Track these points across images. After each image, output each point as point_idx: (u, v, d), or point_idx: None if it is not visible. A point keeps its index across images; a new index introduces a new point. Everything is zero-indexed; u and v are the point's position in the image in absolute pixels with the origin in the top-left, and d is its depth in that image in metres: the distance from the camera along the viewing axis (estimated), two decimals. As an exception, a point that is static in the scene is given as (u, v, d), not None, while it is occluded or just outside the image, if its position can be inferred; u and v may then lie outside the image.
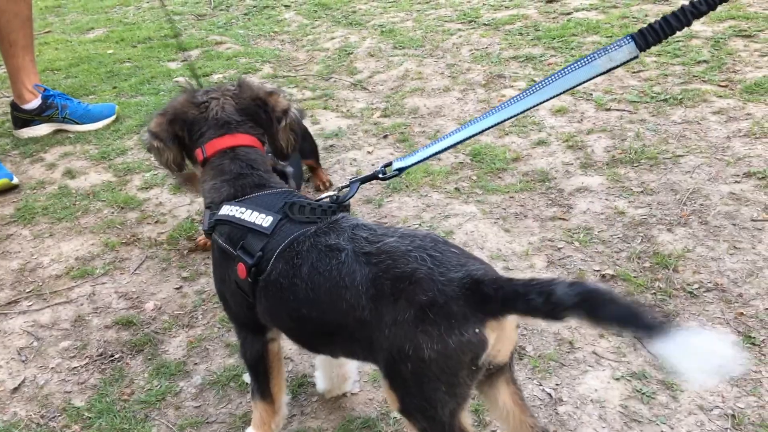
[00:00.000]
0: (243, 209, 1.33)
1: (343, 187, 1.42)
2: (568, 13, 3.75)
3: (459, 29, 3.81)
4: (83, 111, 3.04)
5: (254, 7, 4.71)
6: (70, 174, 2.68)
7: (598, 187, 2.29)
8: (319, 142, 2.77)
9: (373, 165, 2.57)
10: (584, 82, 1.31)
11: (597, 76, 1.30)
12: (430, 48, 3.61)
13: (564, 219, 2.18)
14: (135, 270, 2.13)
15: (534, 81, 3.06)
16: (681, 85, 2.83)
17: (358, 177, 1.48)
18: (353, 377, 1.62)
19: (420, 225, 2.22)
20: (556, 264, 1.99)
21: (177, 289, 2.04)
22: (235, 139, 1.44)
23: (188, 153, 1.49)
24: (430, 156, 1.44)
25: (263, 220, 1.31)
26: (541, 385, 1.61)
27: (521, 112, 1.36)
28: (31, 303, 2.00)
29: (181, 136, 1.46)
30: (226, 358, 1.77)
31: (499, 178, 2.43)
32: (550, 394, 1.59)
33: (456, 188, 2.39)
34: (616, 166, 2.38)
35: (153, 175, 2.63)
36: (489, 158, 2.53)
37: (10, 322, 1.93)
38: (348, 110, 3.05)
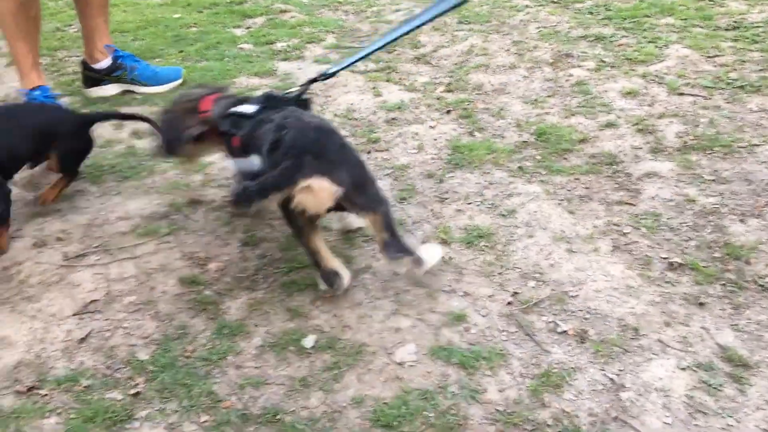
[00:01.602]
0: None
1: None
2: (642, -7, 3.64)
3: (527, 6, 3.73)
4: (151, 73, 3.08)
5: (319, -23, 4.68)
6: (136, 135, 2.73)
7: (668, 173, 2.23)
8: (381, 115, 2.77)
9: (435, 140, 2.55)
10: None
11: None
12: (496, 24, 3.55)
13: (631, 204, 2.13)
14: (198, 231, 2.16)
15: (604, 62, 2.99)
16: (759, 73, 2.72)
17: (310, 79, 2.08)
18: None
19: (482, 202, 2.19)
20: (622, 249, 1.94)
21: (239, 252, 2.07)
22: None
23: None
24: (356, 61, 2.19)
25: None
26: (603, 370, 1.59)
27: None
28: (98, 257, 2.05)
29: None
30: (286, 322, 1.78)
31: (565, 159, 2.39)
32: (612, 380, 1.56)
33: (519, 167, 2.36)
34: (687, 152, 2.31)
35: (217, 140, 2.66)
36: (554, 138, 2.49)
37: (79, 275, 1.98)
38: (411, 84, 3.02)
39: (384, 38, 2.18)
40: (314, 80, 2.10)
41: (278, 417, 1.52)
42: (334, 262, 1.81)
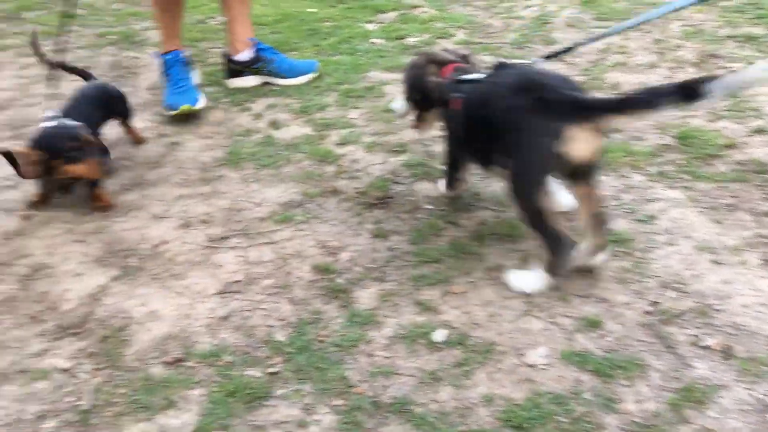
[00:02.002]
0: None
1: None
2: (799, -9, 3.39)
3: (669, 3, 3.56)
4: (288, 66, 3.19)
5: (450, -28, 4.68)
6: (274, 125, 2.84)
7: (827, 184, 2.07)
8: (513, 112, 2.72)
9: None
10: None
11: None
12: (635, 21, 3.41)
13: (784, 215, 1.99)
14: (331, 221, 2.22)
15: (753, 63, 2.81)
16: None
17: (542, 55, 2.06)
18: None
19: (618, 206, 2.12)
20: (774, 263, 1.83)
21: (369, 243, 2.11)
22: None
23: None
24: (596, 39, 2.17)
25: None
26: (750, 389, 1.50)
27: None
28: (239, 240, 2.15)
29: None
30: (416, 315, 1.81)
31: (710, 164, 2.27)
32: (760, 400, 1.47)
33: (660, 171, 2.26)
34: None
35: (350, 133, 2.72)
36: (699, 142, 2.37)
37: (221, 256, 2.09)
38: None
39: (632, 20, 2.11)
40: (548, 57, 2.08)
41: (408, 408, 1.54)
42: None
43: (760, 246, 1.90)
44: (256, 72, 3.20)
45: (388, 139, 2.67)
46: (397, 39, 3.61)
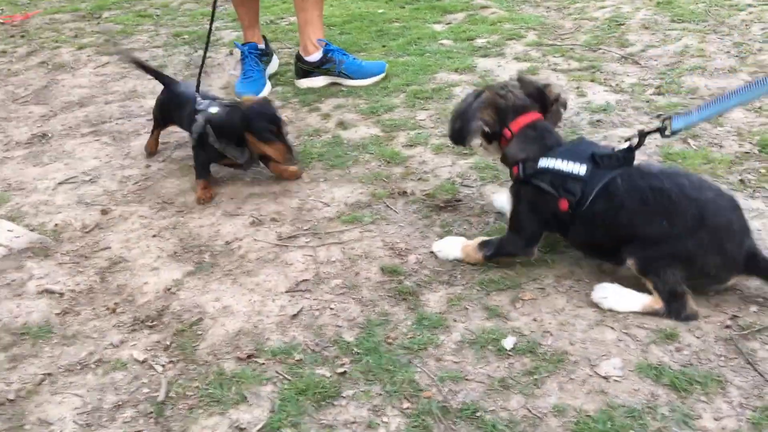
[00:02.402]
0: (561, 161, 1.82)
1: (630, 138, 1.84)
2: None
3: (749, 4, 3.44)
4: (357, 67, 3.22)
5: (519, -28, 4.63)
6: (342, 125, 2.86)
7: None
8: (585, 116, 2.69)
9: (644, 145, 2.42)
10: None
11: None
12: (713, 23, 3.30)
13: None
14: (399, 222, 2.22)
15: (844, 68, 2.69)
16: None
17: (645, 131, 1.83)
18: None
19: (696, 215, 2.06)
20: None
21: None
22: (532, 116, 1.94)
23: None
24: (713, 115, 1.85)
25: (579, 168, 1.80)
26: (839, 412, 1.44)
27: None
28: (308, 240, 2.18)
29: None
30: (484, 321, 1.79)
31: (794, 174, 2.18)
32: None
33: (741, 180, 2.18)
34: None
35: (417, 134, 2.72)
36: (782, 151, 2.28)
37: (291, 254, 2.12)
38: (617, 84, 2.90)
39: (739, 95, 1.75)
40: (649, 133, 1.84)
41: (478, 414, 1.53)
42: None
43: None
44: (326, 72, 3.24)
45: (457, 141, 2.65)
46: (466, 40, 3.59)
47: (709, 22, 3.31)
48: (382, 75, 3.23)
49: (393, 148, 2.66)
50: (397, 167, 2.54)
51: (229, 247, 2.17)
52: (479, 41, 3.54)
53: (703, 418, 1.46)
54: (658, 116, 2.53)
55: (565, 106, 2.04)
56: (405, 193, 2.38)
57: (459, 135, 2.00)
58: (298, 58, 3.27)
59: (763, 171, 2.21)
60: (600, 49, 3.27)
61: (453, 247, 2.03)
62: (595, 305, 1.79)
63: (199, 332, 1.84)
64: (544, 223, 1.89)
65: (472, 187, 2.37)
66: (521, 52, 3.36)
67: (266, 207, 2.36)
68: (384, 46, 3.59)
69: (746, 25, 3.22)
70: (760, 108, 2.54)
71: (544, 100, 1.95)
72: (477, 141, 2.00)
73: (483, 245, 1.97)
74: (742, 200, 2.09)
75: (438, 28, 3.79)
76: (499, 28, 3.66)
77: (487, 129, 1.94)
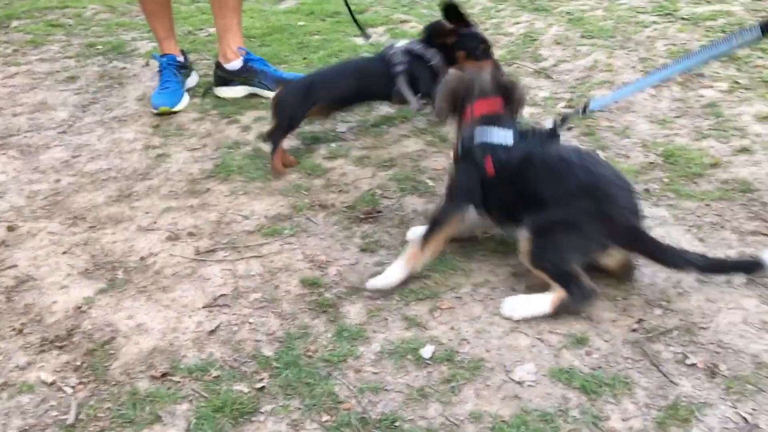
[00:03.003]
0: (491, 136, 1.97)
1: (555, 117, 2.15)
2: (779, 12, 3.45)
3: (654, 22, 3.61)
4: (276, 77, 3.19)
5: (438, -12, 4.72)
6: (262, 137, 2.83)
7: (809, 204, 2.11)
8: (501, 128, 2.75)
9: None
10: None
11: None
12: (621, 39, 3.46)
13: (767, 235, 2.02)
14: (319, 234, 2.22)
15: (738, 84, 2.86)
16: None
17: (567, 112, 2.15)
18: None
19: (605, 223, 2.14)
20: (757, 282, 1.85)
21: (357, 258, 2.11)
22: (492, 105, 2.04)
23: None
24: (624, 96, 2.24)
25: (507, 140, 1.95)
26: (735, 407, 1.52)
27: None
28: (227, 253, 2.15)
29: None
30: (404, 331, 1.81)
31: (694, 183, 2.30)
32: (745, 419, 1.49)
33: (646, 189, 2.29)
34: (832, 183, 2.18)
35: (338, 146, 2.73)
36: (684, 161, 2.40)
37: (209, 269, 2.08)
38: (531, 98, 2.99)
39: (671, 67, 2.10)
40: (569, 114, 2.14)
41: (397, 424, 1.54)
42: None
43: (744, 264, 1.92)
44: (245, 82, 3.22)
45: (377, 153, 2.68)
46: (386, 53, 3.62)
47: (617, 38, 3.46)
48: None
49: (314, 161, 2.66)
50: (318, 179, 2.54)
51: (144, 263, 2.12)
52: (399, 54, 3.57)
53: (612, 419, 1.52)
54: (570, 102, 2.64)
55: (523, 103, 2.18)
56: (325, 205, 2.38)
57: (437, 112, 2.25)
58: (218, 66, 3.25)
59: (666, 180, 2.33)
60: (515, 63, 3.36)
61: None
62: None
63: (112, 351, 1.78)
64: (472, 186, 1.98)
65: (392, 198, 2.40)
66: (440, 66, 3.42)
67: (183, 221, 2.31)
68: (305, 59, 3.59)
69: (651, 41, 3.38)
70: (663, 120, 2.67)
71: (508, 94, 2.07)
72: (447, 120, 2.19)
73: None
74: (648, 208, 2.19)
75: (359, 41, 3.82)
76: (419, 42, 3.71)
77: (447, 107, 2.13)
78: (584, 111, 2.08)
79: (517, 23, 3.87)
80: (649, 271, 1.93)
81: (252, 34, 3.97)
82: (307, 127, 2.89)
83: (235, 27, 3.20)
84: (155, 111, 3.06)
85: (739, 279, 1.88)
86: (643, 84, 2.23)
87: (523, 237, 1.85)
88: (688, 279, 1.89)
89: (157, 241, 2.22)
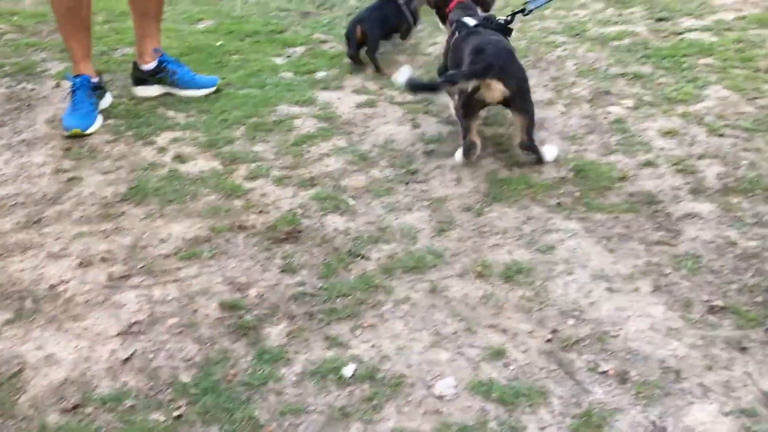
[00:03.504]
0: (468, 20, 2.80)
1: (514, 12, 2.86)
2: (680, 33, 3.65)
3: (564, 42, 3.76)
4: (190, 78, 3.32)
5: (357, 8, 4.77)
6: (180, 159, 2.79)
7: (708, 214, 2.22)
8: (420, 147, 2.80)
9: (473, 173, 2.58)
10: None
11: None
12: (533, 59, 3.57)
13: (671, 245, 2.12)
14: (239, 256, 2.19)
15: (643, 101, 3.00)
16: (801, 116, 2.71)
17: (513, 11, 2.86)
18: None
19: (520, 237, 2.20)
20: (663, 290, 1.94)
21: (278, 278, 2.09)
22: None
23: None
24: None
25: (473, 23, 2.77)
26: (644, 412, 1.58)
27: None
28: (142, 279, 2.09)
29: None
30: (325, 351, 1.80)
31: (603, 196, 2.39)
32: (654, 423, 1.55)
33: (558, 203, 2.37)
34: (728, 194, 2.31)
35: (258, 166, 2.71)
36: (593, 175, 2.49)
37: (123, 295, 2.02)
38: (449, 116, 3.06)
39: None
40: (517, 13, 2.86)
41: (318, 446, 1.53)
42: (476, 138, 2.61)
43: (651, 274, 2.01)
44: (159, 81, 3.33)
45: (298, 172, 2.67)
46: (306, 73, 3.63)
47: (530, 58, 3.58)
48: (213, 88, 3.36)
49: (233, 181, 2.63)
50: (238, 200, 2.51)
51: (54, 291, 2.04)
52: (319, 74, 3.59)
53: (529, 428, 1.56)
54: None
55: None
56: (245, 226, 2.35)
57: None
58: (135, 66, 3.35)
59: (577, 194, 2.41)
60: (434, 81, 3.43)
61: None
62: (431, 328, 1.86)
63: (19, 385, 1.71)
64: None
65: (313, 218, 2.39)
66: (360, 85, 3.45)
67: (96, 246, 2.24)
68: (224, 78, 3.55)
69: (562, 61, 3.51)
70: (573, 137, 2.78)
71: None
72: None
73: None
74: (560, 221, 2.27)
75: (278, 61, 3.81)
76: (338, 62, 3.74)
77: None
78: (524, 11, 2.87)
79: (435, 44, 3.95)
80: (561, 282, 1.99)
81: (169, 53, 3.89)
82: (226, 147, 2.86)
83: (154, 31, 3.31)
84: (67, 133, 2.97)
85: (646, 287, 1.96)
86: None
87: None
88: (599, 289, 1.96)
89: (68, 268, 2.14)
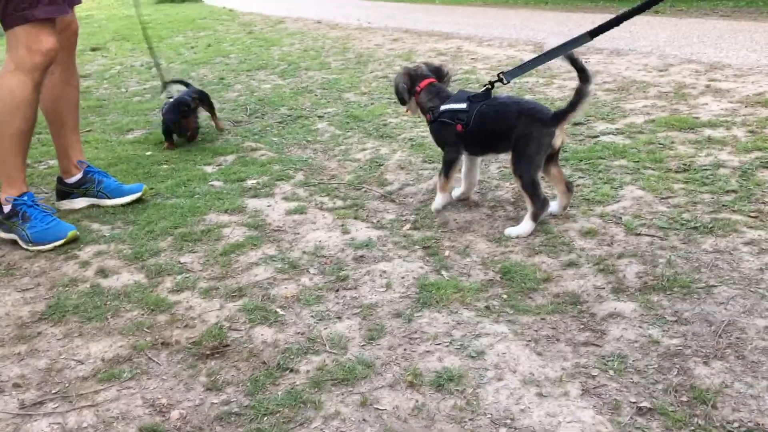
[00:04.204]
0: (451, 105, 3.03)
1: (491, 82, 2.99)
2: (595, 136, 3.86)
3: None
4: (115, 186, 3.35)
5: (288, 116, 4.89)
6: (102, 273, 2.71)
7: (630, 313, 2.28)
8: (350, 252, 2.81)
9: (402, 278, 2.59)
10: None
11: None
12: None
13: (597, 345, 2.15)
14: (162, 375, 2.11)
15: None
16: (710, 214, 2.86)
17: (492, 81, 2.99)
18: (475, 185, 3.28)
19: (450, 343, 2.20)
20: (591, 392, 1.95)
21: (202, 397, 2.01)
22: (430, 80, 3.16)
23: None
24: (532, 66, 2.93)
25: (461, 106, 2.99)
26: None
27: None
28: (56, 405, 1.98)
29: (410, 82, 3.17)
30: (250, 476, 1.71)
31: (530, 298, 2.43)
32: None
33: (486, 306, 2.39)
34: (648, 292, 2.38)
35: (185, 278, 2.66)
36: (519, 277, 2.54)
37: (35, 425, 1.90)
38: (378, 221, 3.10)
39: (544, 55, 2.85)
40: (493, 83, 2.98)
41: None
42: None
43: (579, 376, 2.02)
44: (84, 193, 3.35)
45: (226, 283, 2.63)
46: (236, 181, 3.65)
47: (456, 162, 3.71)
48: (140, 194, 3.37)
49: (158, 295, 2.56)
50: (162, 315, 2.44)
51: (-42, 424, 1.90)
52: (249, 182, 3.62)
53: None
54: (415, 223, 2.75)
55: (449, 77, 3.27)
56: (169, 342, 2.27)
57: (399, 96, 3.18)
58: (59, 181, 3.36)
59: (505, 297, 2.44)
60: (362, 187, 3.49)
61: None
62: (361, 445, 1.80)
63: None
64: (454, 137, 3.02)
65: (241, 330, 2.34)
66: (290, 192, 3.48)
67: (8, 371, 2.12)
68: (151, 188, 3.53)
69: (486, 166, 3.65)
70: (499, 239, 2.84)
71: (440, 74, 3.20)
72: (405, 98, 3.17)
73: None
74: (489, 325, 2.28)
75: (208, 169, 3.83)
76: (269, 169, 3.78)
77: (404, 86, 3.14)
78: (503, 81, 2.94)
79: (364, 149, 4.05)
80: (492, 389, 1.98)
81: (96, 164, 3.85)
82: (151, 259, 2.80)
83: (75, 143, 3.32)
84: (60, 242, 2.95)
85: (575, 390, 1.97)
86: (539, 61, 2.89)
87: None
88: (529, 394, 1.95)
89: (-25, 396, 2.01)
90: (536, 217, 2.86)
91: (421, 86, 3.11)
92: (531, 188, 2.83)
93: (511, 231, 2.87)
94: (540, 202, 2.84)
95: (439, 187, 3.12)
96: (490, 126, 2.90)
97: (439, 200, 3.13)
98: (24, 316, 2.42)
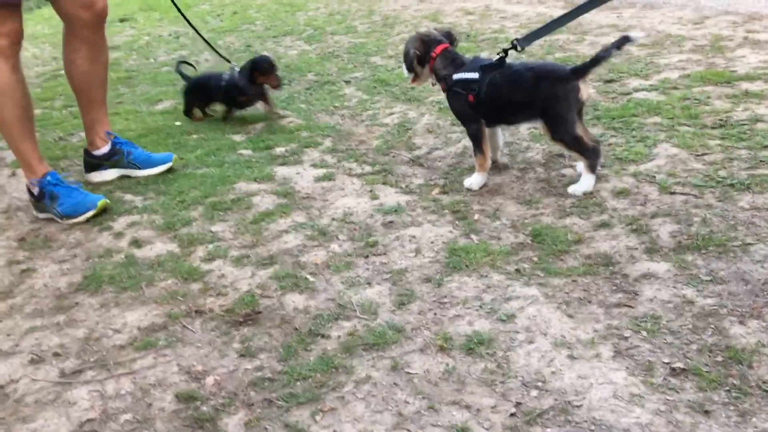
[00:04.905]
0: (463, 75, 2.94)
1: (505, 50, 2.87)
2: (628, 93, 3.76)
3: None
4: (145, 157, 3.36)
5: (315, 82, 4.86)
6: (136, 243, 2.75)
7: (664, 273, 2.24)
8: (379, 218, 2.80)
9: (432, 243, 2.58)
10: None
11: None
12: (488, 125, 3.64)
13: (630, 306, 2.13)
14: (196, 343, 2.15)
15: (594, 161, 3.06)
16: (747, 170, 2.77)
17: (506, 49, 2.87)
18: (501, 148, 3.26)
19: (480, 307, 2.19)
20: (623, 354, 1.93)
21: (236, 364, 2.05)
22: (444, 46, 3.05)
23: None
24: (549, 30, 2.85)
25: (473, 75, 2.91)
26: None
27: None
28: (95, 373, 2.03)
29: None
30: (284, 440, 1.75)
31: (561, 260, 2.40)
32: (621, 496, 1.51)
33: (517, 269, 2.37)
34: (682, 252, 2.33)
35: (216, 247, 2.68)
36: (550, 239, 2.51)
37: (75, 392, 1.95)
38: (407, 186, 3.08)
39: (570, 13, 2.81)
40: (507, 51, 2.87)
41: None
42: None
43: (611, 338, 2.00)
44: (114, 165, 3.36)
45: (257, 251, 2.65)
46: (265, 149, 3.66)
47: (485, 124, 3.65)
48: (169, 164, 3.38)
49: (191, 264, 2.59)
50: (195, 283, 2.47)
51: (3, 392, 1.96)
52: (278, 150, 3.62)
53: None
54: (444, 187, 2.74)
55: (458, 42, 3.16)
56: (203, 310, 2.31)
57: (407, 63, 3.05)
58: (86, 153, 3.36)
59: (535, 259, 2.42)
60: (391, 152, 3.47)
61: None
62: (393, 408, 1.82)
63: (-39, 498, 1.62)
64: (468, 108, 2.95)
65: (273, 297, 2.36)
66: (318, 159, 3.48)
67: (48, 340, 2.18)
68: (182, 159, 3.56)
69: (515, 126, 3.59)
70: (530, 201, 2.81)
71: (451, 38, 3.09)
72: (417, 67, 3.06)
73: None
74: (519, 288, 2.26)
75: (237, 138, 3.84)
76: (297, 136, 3.78)
77: (418, 53, 3.02)
78: (516, 48, 2.85)
79: (392, 114, 4.02)
80: (523, 352, 1.97)
81: (127, 136, 3.90)
82: (183, 229, 2.84)
83: (102, 117, 3.32)
84: (92, 212, 2.99)
85: (607, 352, 1.95)
86: (555, 25, 2.83)
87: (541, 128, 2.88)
88: (561, 357, 1.94)
89: (18, 365, 2.07)
90: (593, 168, 2.79)
91: (436, 52, 2.99)
92: (576, 145, 2.78)
93: (576, 188, 2.80)
94: (591, 153, 2.77)
95: (478, 166, 2.99)
96: (506, 95, 2.82)
97: (476, 179, 2.99)
98: (62, 287, 2.48)
